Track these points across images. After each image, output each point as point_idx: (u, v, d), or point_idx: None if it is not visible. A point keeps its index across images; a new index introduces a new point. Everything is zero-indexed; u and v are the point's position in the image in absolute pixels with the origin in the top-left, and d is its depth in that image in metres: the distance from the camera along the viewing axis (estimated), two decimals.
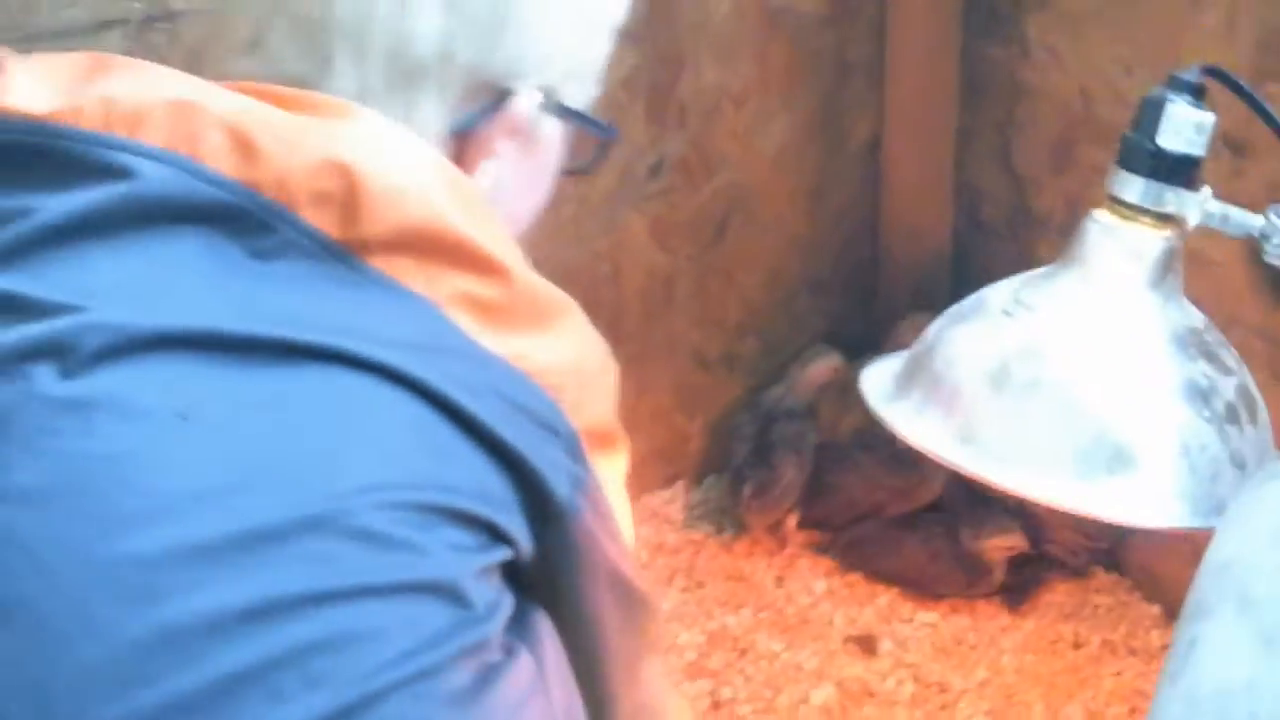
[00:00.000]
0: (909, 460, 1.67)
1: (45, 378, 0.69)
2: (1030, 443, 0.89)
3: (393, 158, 0.79)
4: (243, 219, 0.74)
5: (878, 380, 0.99)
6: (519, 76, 0.88)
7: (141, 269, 0.73)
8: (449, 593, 0.71)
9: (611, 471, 0.86)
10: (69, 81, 0.79)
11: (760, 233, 1.75)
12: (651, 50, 1.55)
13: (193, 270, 0.74)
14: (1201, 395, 0.90)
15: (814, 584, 1.73)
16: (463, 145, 0.88)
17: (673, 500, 1.84)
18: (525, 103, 0.89)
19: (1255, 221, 0.90)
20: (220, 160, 0.75)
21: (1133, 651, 1.65)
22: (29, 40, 1.21)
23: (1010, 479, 0.88)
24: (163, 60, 1.23)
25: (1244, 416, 0.91)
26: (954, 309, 1.00)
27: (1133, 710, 1.57)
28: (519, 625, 0.78)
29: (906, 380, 0.97)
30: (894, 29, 1.70)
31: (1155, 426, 0.88)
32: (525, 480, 0.77)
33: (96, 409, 0.68)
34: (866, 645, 1.64)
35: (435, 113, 0.86)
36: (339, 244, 0.75)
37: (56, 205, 0.74)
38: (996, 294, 0.97)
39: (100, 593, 0.65)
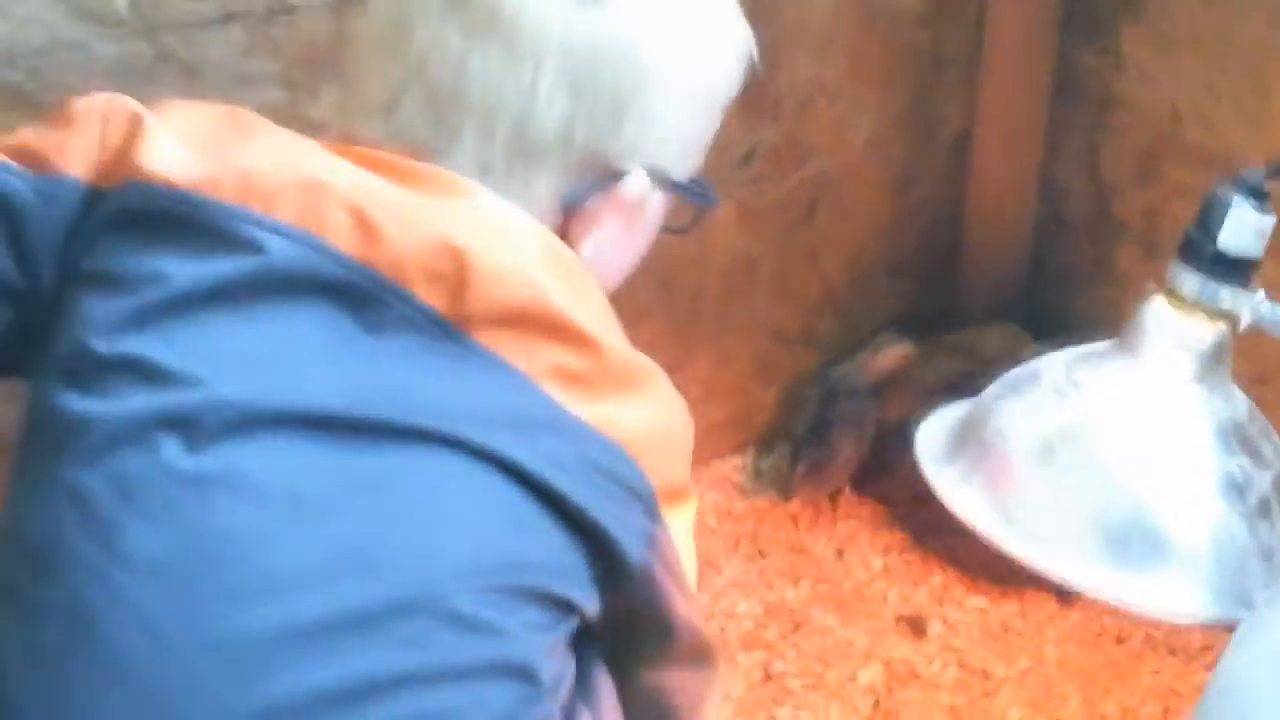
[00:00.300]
0: None
1: (171, 449, 0.75)
2: (1066, 524, 0.93)
3: (502, 239, 0.85)
4: (360, 294, 0.81)
5: (932, 437, 1.04)
6: (632, 158, 0.93)
7: (264, 340, 0.80)
8: (521, 671, 0.78)
9: (682, 522, 0.93)
10: (208, 147, 0.85)
11: (845, 218, 1.78)
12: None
13: (311, 343, 0.80)
14: (1237, 489, 0.94)
15: (872, 560, 1.78)
16: (571, 217, 0.94)
17: (743, 466, 1.90)
18: (635, 181, 0.94)
19: None
20: (343, 239, 0.81)
21: (1172, 651, 1.69)
22: (156, 30, 1.26)
23: (1043, 558, 0.93)
24: (279, 52, 1.30)
25: (1276, 510, 0.95)
26: (1011, 376, 1.04)
27: (1166, 710, 1.61)
28: (580, 686, 0.85)
29: (958, 444, 1.01)
30: (992, 27, 1.71)
31: (1189, 519, 0.92)
32: (601, 546, 0.85)
33: (215, 485, 0.75)
34: (917, 626, 1.69)
35: (549, 189, 0.91)
36: (446, 319, 0.82)
37: (192, 273, 0.81)
38: (1051, 368, 1.01)
39: (210, 665, 0.72)
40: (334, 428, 0.77)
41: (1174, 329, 0.95)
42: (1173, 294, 0.96)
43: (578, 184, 0.92)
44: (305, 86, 1.34)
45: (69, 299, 0.83)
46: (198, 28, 1.28)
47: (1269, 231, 0.93)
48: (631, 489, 0.86)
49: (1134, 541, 0.92)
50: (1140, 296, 1.70)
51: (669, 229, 1.03)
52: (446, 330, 0.81)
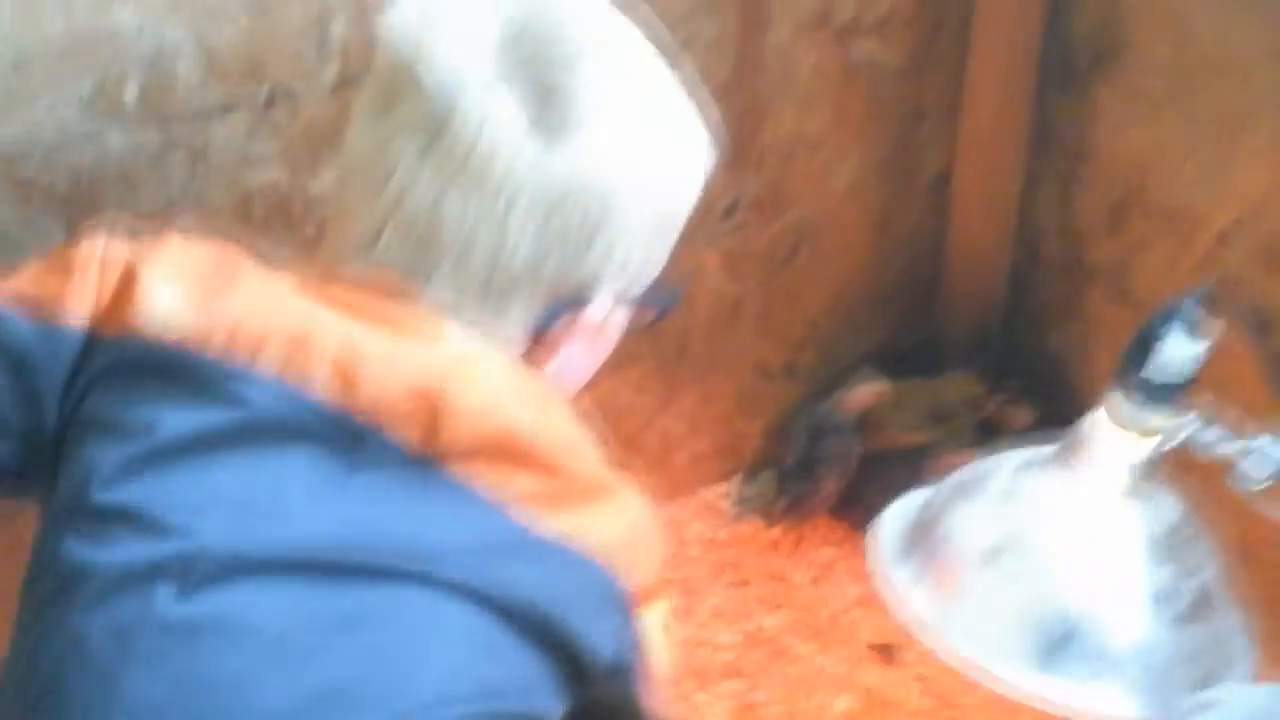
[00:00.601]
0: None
1: (164, 598, 0.81)
2: (1002, 628, 1.00)
3: (471, 379, 0.90)
4: (339, 437, 0.87)
5: (887, 535, 1.10)
6: (597, 284, 0.98)
7: (250, 486, 0.86)
8: None
9: (654, 619, 0.99)
10: (198, 294, 0.91)
11: (826, 259, 1.84)
12: (736, 105, 1.62)
13: (293, 486, 0.86)
14: (1165, 597, 1.00)
15: (848, 588, 1.85)
16: (539, 340, 0.99)
17: (728, 494, 1.96)
18: (599, 305, 0.99)
19: (1230, 448, 0.99)
20: (323, 387, 0.87)
21: None
22: (164, 120, 1.32)
23: (984, 661, 1.00)
24: (281, 133, 1.36)
25: (1200, 614, 1.01)
26: (962, 477, 1.10)
27: None
28: None
29: (910, 544, 1.08)
30: (970, 79, 1.76)
31: (1120, 626, 0.99)
32: (573, 654, 0.90)
33: (205, 632, 0.81)
34: (886, 654, 1.77)
35: (519, 318, 0.96)
36: (421, 455, 0.87)
37: (182, 423, 0.86)
38: (998, 474, 1.07)
39: None
40: (315, 570, 0.83)
41: (1110, 445, 1.02)
42: (1110, 411, 1.02)
43: (545, 311, 0.97)
44: (306, 165, 1.40)
45: (71, 443, 0.90)
46: (203, 116, 1.34)
47: (1201, 356, 0.99)
48: (605, 595, 0.93)
49: (1068, 647, 0.99)
50: (1108, 340, 1.77)
51: (635, 329, 1.08)
52: (421, 465, 0.87)
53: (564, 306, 0.98)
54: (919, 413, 1.85)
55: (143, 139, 1.31)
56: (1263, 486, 0.97)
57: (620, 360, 1.73)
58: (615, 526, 0.95)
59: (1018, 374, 1.90)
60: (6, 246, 1.31)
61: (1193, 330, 0.99)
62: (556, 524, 0.90)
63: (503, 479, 0.89)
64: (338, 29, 1.35)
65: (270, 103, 1.36)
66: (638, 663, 0.97)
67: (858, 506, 1.88)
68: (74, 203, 1.32)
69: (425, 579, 0.85)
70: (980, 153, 1.80)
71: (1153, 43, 1.53)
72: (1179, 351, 0.98)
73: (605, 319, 1.01)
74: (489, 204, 0.92)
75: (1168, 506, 1.03)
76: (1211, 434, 0.99)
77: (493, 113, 0.91)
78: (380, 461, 0.87)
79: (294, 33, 1.33)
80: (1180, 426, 0.99)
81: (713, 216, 1.70)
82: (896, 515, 1.12)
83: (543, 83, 0.92)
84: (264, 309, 0.90)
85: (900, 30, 1.66)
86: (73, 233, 1.29)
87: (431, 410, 0.87)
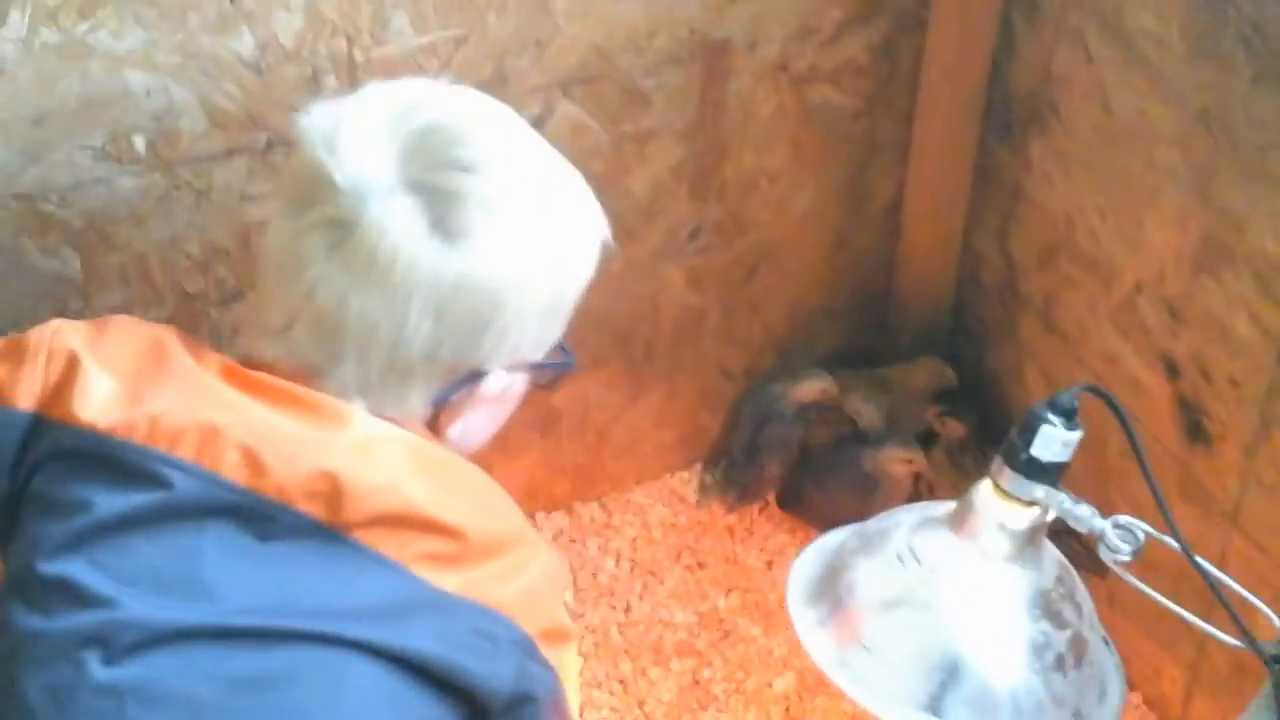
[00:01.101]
0: (872, 487, 1.88)
1: (93, 663, 0.88)
2: (894, 678, 1.08)
3: (371, 460, 0.96)
4: (251, 513, 0.94)
5: (800, 575, 1.18)
6: (492, 362, 1.04)
7: (172, 560, 0.93)
8: None
9: (563, 659, 1.05)
10: (129, 386, 0.98)
11: (784, 276, 1.91)
12: (698, 145, 1.69)
13: (211, 558, 0.93)
14: (1038, 649, 1.09)
15: None
16: (440, 411, 1.05)
17: (690, 481, 2.05)
18: (495, 379, 1.05)
19: (1098, 524, 1.07)
20: (234, 471, 0.94)
21: None
22: (170, 166, 1.39)
23: (874, 706, 1.08)
24: (278, 174, 1.43)
25: (1070, 663, 1.10)
26: (867, 529, 1.18)
27: None
28: None
29: (819, 590, 1.16)
30: (920, 120, 1.82)
31: (998, 676, 1.08)
32: (472, 697, 0.97)
33: (128, 695, 0.88)
34: None
35: (419, 397, 1.03)
36: (327, 526, 0.94)
37: (113, 503, 0.94)
38: (898, 532, 1.15)
39: None
40: (228, 637, 0.89)
41: (996, 514, 1.09)
42: (996, 485, 1.10)
43: (444, 388, 1.03)
44: None
45: (23, 516, 0.97)
46: (206, 160, 1.41)
47: (1075, 443, 1.07)
48: (504, 642, 0.99)
49: (951, 695, 1.07)
50: (1037, 363, 1.84)
51: (537, 386, 1.14)
52: (328, 534, 0.94)
53: (462, 382, 1.04)
54: (870, 395, 1.93)
55: (150, 181, 1.39)
56: (1125, 558, 1.06)
57: (591, 363, 1.83)
58: (515, 579, 1.01)
59: (960, 386, 1.97)
60: (26, 273, 1.40)
61: (1071, 418, 1.06)
62: (456, 581, 0.96)
63: (404, 544, 0.95)
64: (329, 83, 1.41)
65: (269, 148, 1.43)
66: (542, 698, 1.03)
67: (797, 507, 1.98)
68: (87, 236, 1.40)
69: (332, 639, 0.91)
70: (927, 186, 1.86)
71: (1077, 111, 1.59)
72: (1057, 436, 1.05)
73: (503, 388, 1.07)
74: (389, 300, 0.98)
75: (1047, 569, 1.11)
76: (1082, 510, 1.07)
77: (395, 217, 0.96)
78: (289, 533, 0.94)
79: (289, 89, 1.39)
80: (1056, 501, 1.07)
81: (678, 239, 1.77)
82: (810, 559, 1.20)
83: (441, 189, 0.97)
84: (186, 400, 0.97)
85: (854, 78, 1.72)
86: (85, 262, 1.38)
87: (334, 491, 0.93)
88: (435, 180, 0.98)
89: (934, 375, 2.00)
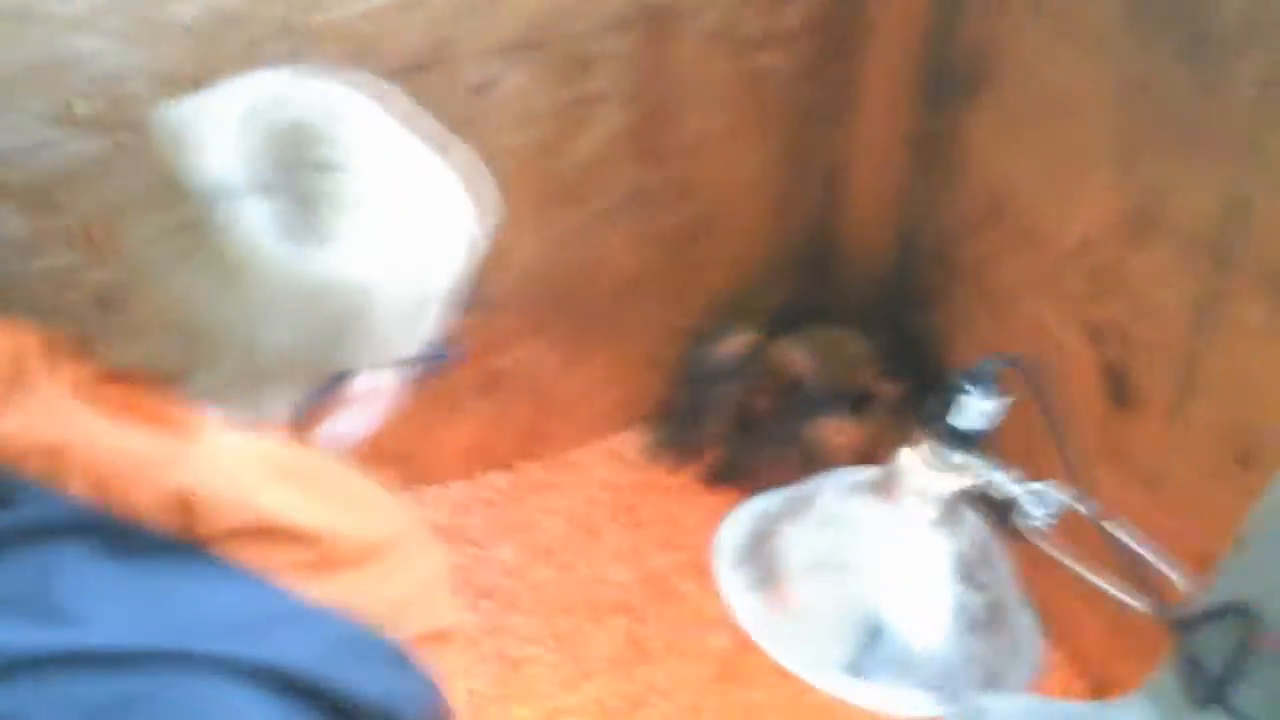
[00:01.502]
0: (816, 458, 1.91)
1: None
2: (818, 637, 1.12)
3: (223, 473, 0.92)
4: (104, 532, 0.90)
5: (728, 540, 1.21)
6: (356, 364, 1.00)
7: (24, 583, 0.89)
8: None
9: (446, 660, 1.02)
10: None
11: (727, 239, 1.93)
12: (642, 109, 1.70)
13: (64, 581, 0.89)
14: (956, 612, 1.12)
15: None
16: (306, 414, 1.01)
17: (632, 441, 2.07)
18: (361, 380, 1.01)
19: (1014, 490, 1.10)
20: (82, 491, 0.90)
21: None
22: (112, 129, 1.39)
23: (796, 665, 1.11)
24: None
25: (988, 625, 1.13)
26: (796, 493, 1.21)
27: None
28: None
29: (748, 554, 1.19)
30: (861, 86, 1.84)
31: (920, 636, 1.11)
32: (342, 707, 0.94)
33: None
34: None
35: (280, 402, 0.99)
36: (184, 540, 0.90)
37: None
38: (824, 498, 1.18)
39: None
40: (85, 662, 0.85)
41: (920, 481, 1.13)
42: (919, 452, 1.13)
43: (309, 390, 0.99)
44: None
45: None
46: (145, 126, 1.40)
47: (992, 412, 1.09)
48: (373, 649, 0.96)
49: (873, 656, 1.11)
50: (969, 327, 1.87)
51: (414, 382, 1.09)
52: (187, 548, 0.90)
53: (329, 384, 1.00)
54: (806, 351, 1.96)
55: (95, 145, 1.39)
56: (1041, 524, 1.09)
57: (529, 328, 1.84)
58: (387, 584, 0.98)
59: (899, 347, 2.00)
60: None
61: (991, 388, 1.09)
62: (320, 589, 0.93)
63: (265, 554, 0.92)
64: (271, 48, 1.41)
65: None
66: (418, 703, 1.00)
67: (735, 478, 2.00)
68: (32, 198, 1.40)
69: (193, 657, 0.88)
70: (868, 152, 1.89)
71: (1010, 80, 1.61)
72: (979, 405, 1.08)
73: (372, 387, 1.04)
74: (243, 304, 0.93)
75: (968, 535, 1.15)
76: (1000, 476, 1.10)
77: (248, 219, 0.92)
78: (146, 548, 0.90)
79: (232, 55, 1.39)
80: (977, 468, 1.11)
81: (619, 200, 1.78)
82: (737, 523, 1.23)
83: (298, 190, 0.93)
84: (34, 420, 0.93)
85: (796, 44, 1.74)
86: (30, 225, 1.38)
87: (185, 506, 0.90)
88: (291, 181, 0.93)
89: (872, 336, 2.03)
